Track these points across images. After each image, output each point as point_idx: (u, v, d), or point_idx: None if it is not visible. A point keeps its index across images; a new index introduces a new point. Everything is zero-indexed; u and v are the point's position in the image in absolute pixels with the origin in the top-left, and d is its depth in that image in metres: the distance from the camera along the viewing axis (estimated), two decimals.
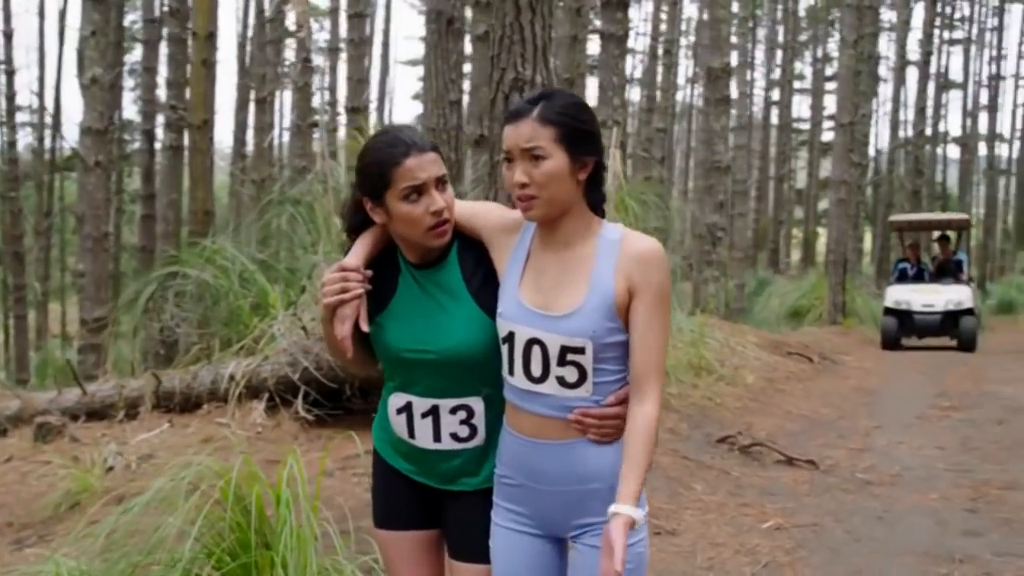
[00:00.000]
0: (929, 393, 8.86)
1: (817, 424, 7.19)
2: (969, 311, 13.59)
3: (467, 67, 12.76)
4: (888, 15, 33.48)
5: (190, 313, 7.16)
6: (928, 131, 29.85)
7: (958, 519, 4.75)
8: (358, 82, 14.60)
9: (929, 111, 29.03)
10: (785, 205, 37.25)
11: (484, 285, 2.14)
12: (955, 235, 16.08)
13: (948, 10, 35.65)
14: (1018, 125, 42.98)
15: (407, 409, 2.18)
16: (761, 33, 37.17)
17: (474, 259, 2.17)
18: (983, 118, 39.57)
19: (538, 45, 5.18)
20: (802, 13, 37.93)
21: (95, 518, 4.21)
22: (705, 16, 23.50)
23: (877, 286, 21.90)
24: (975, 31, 39.47)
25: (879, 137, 38.23)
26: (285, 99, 29.68)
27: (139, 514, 3.08)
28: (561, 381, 1.99)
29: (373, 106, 26.26)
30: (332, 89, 26.02)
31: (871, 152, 31.45)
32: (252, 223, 8.78)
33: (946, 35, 35.45)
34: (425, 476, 2.25)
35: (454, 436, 2.17)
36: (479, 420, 2.16)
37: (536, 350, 1.98)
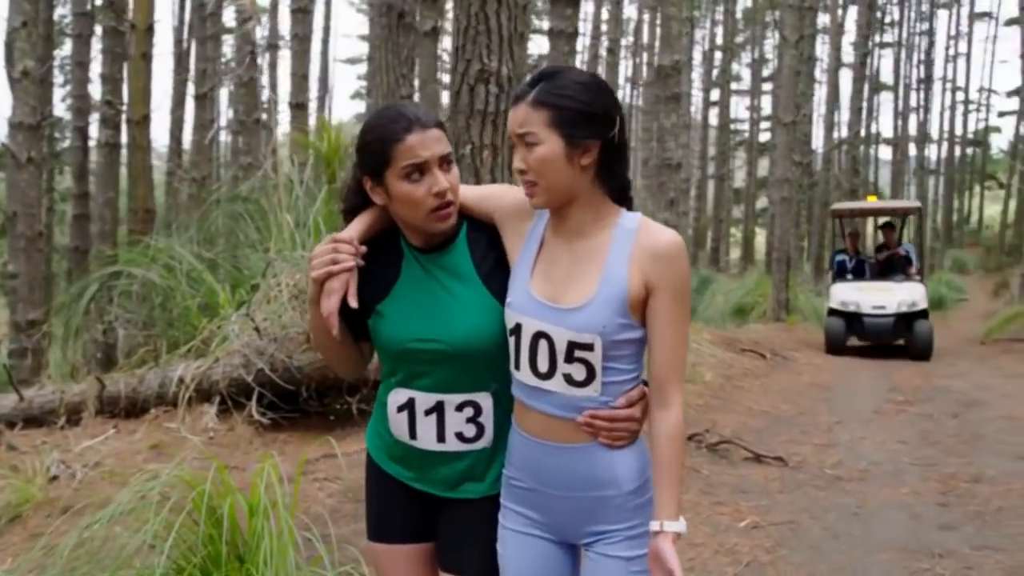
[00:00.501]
0: (881, 388, 8.94)
1: (779, 420, 7.17)
2: (924, 313, 12.11)
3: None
4: (822, 18, 34.13)
5: (134, 314, 6.86)
6: (863, 132, 30.51)
7: (931, 513, 4.73)
8: (302, 78, 14.29)
9: (864, 112, 29.61)
10: (724, 204, 37.70)
11: (495, 270, 1.99)
12: (900, 225, 14.96)
13: (879, 14, 36.44)
14: (946, 127, 44.26)
15: (409, 406, 2.01)
16: (699, 34, 37.60)
17: (485, 243, 2.02)
18: (913, 120, 40.66)
19: (504, 36, 5.03)
20: (739, 15, 38.41)
21: (38, 530, 3.94)
22: (646, 16, 23.60)
23: (815, 283, 22.21)
24: (905, 35, 40.50)
25: (815, 137, 39.00)
26: (222, 96, 29.07)
27: (96, 526, 2.85)
28: (568, 379, 1.85)
29: (313, 104, 25.74)
30: (273, 86, 25.54)
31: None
32: (195, 222, 8.48)
33: (878, 38, 36.18)
34: (425, 483, 2.08)
35: (459, 436, 2.01)
36: (487, 418, 2.00)
37: (543, 344, 1.85)
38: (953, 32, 45.50)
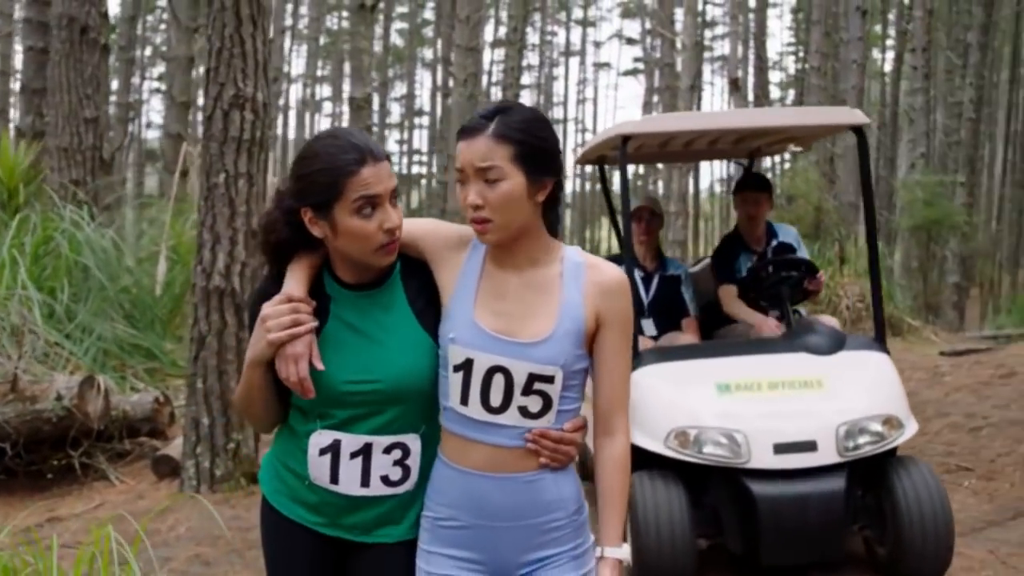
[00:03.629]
0: None
1: None
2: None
3: None
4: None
5: None
6: None
7: None
8: None
9: None
10: None
11: (428, 307, 1.94)
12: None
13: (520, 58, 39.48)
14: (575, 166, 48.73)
15: (333, 449, 1.90)
16: None
17: (418, 280, 1.96)
18: None
19: (259, 60, 4.90)
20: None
21: None
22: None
23: None
24: (543, 79, 44.21)
25: None
26: None
27: None
28: (523, 411, 1.85)
29: None
30: None
31: None
32: None
33: (524, 80, 39.09)
34: (336, 528, 1.97)
35: (384, 480, 1.93)
36: (414, 460, 1.94)
37: (498, 378, 1.82)
38: (580, 79, 50.39)
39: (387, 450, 1.92)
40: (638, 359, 4.06)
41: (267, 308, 1.85)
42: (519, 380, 1.82)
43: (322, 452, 1.92)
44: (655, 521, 3.62)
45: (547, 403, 1.85)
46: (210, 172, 4.84)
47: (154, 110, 36.93)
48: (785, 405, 3.84)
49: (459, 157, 1.84)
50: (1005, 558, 4.23)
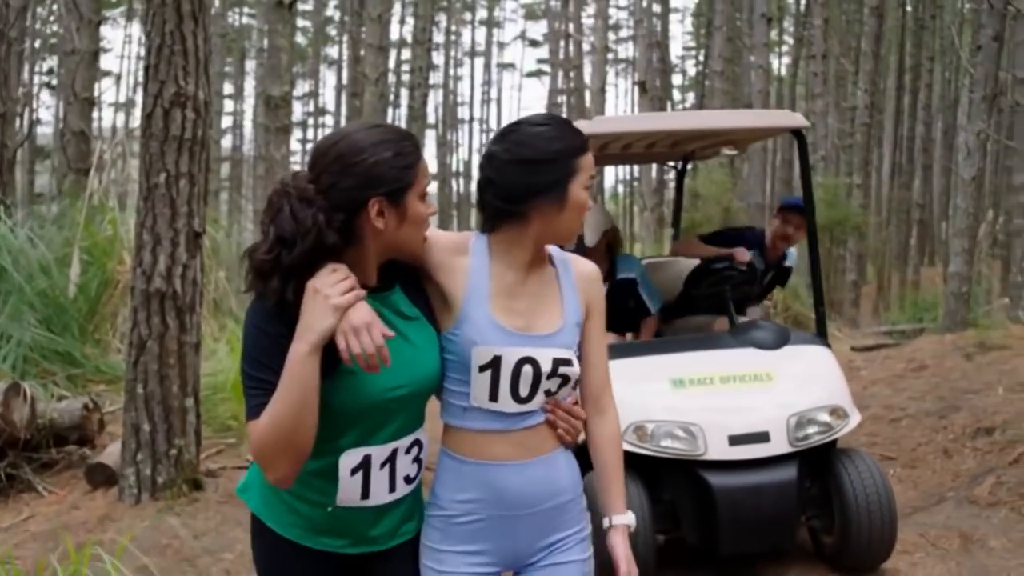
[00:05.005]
0: None
1: None
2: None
3: None
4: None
5: None
6: None
7: None
8: None
9: None
10: None
11: (426, 309, 1.97)
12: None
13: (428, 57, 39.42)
14: (474, 164, 49.02)
15: (365, 465, 1.86)
16: None
17: (412, 282, 1.97)
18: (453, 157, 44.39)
19: (200, 58, 4.78)
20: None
21: None
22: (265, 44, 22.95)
23: None
24: (448, 79, 44.17)
25: None
26: None
27: None
28: (547, 392, 1.95)
29: None
30: None
31: None
32: None
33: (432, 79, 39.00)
34: (362, 543, 1.94)
35: (407, 479, 1.95)
36: (425, 451, 1.99)
37: (527, 369, 1.91)
38: (484, 80, 50.53)
39: (408, 450, 1.93)
40: None
41: (316, 280, 1.72)
42: (545, 367, 1.92)
43: (354, 471, 1.87)
44: None
45: (564, 383, 1.97)
46: (150, 172, 4.70)
47: (44, 106, 35.35)
48: (737, 398, 4.02)
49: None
50: (935, 540, 4.49)
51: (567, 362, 1.95)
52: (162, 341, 4.74)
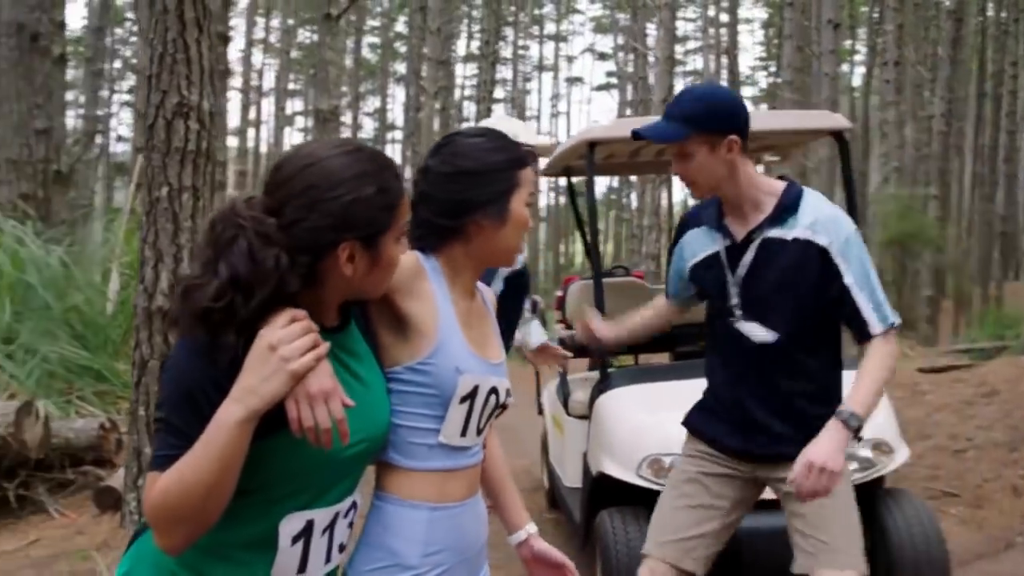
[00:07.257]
0: None
1: None
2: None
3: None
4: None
5: None
6: None
7: None
8: None
9: None
10: None
11: (374, 338, 1.70)
12: None
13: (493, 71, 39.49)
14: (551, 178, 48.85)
15: (306, 532, 1.54)
16: None
17: (360, 305, 1.68)
18: None
19: (205, 67, 4.61)
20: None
21: None
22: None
23: None
24: (515, 93, 44.14)
25: None
26: None
27: None
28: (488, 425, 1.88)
29: None
30: None
31: None
32: None
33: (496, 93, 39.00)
34: None
35: (341, 547, 1.64)
36: (356, 513, 1.67)
37: (491, 400, 1.79)
38: (553, 93, 50.38)
39: (346, 514, 1.62)
40: (606, 381, 3.81)
41: (271, 333, 1.38)
42: (502, 397, 1.84)
43: (295, 540, 1.54)
44: (627, 564, 3.30)
45: (502, 412, 1.89)
46: (152, 185, 4.54)
47: (124, 124, 36.45)
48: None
49: None
50: None
51: (509, 392, 1.87)
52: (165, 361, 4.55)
